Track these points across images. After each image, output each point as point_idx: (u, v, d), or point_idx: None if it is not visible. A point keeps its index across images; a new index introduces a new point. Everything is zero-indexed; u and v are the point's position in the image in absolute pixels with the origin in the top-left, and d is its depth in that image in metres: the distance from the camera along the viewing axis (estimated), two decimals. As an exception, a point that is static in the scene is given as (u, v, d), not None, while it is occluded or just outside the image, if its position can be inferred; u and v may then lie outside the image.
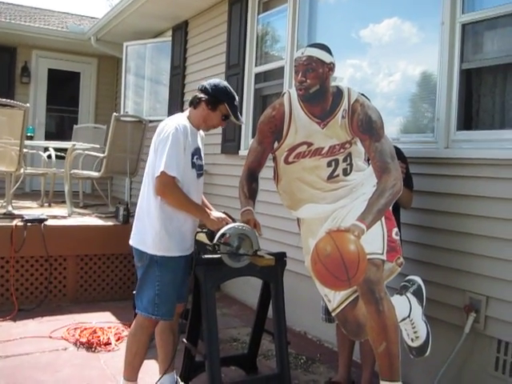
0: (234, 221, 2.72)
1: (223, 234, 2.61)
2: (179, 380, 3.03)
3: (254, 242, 2.67)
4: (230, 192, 5.04)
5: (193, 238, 2.78)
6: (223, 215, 2.75)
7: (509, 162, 2.81)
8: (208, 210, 2.78)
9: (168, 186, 2.61)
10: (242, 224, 2.66)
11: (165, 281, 2.70)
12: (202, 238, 2.76)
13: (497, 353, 2.88)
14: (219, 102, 2.74)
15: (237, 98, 2.82)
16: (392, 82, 3.89)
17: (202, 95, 2.75)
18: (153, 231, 2.69)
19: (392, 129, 3.61)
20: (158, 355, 2.98)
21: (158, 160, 2.62)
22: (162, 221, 2.68)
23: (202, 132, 2.91)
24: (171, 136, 2.61)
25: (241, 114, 5.32)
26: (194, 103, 2.77)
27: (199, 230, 2.77)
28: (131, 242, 2.81)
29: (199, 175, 2.81)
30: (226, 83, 2.82)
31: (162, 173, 2.57)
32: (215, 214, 2.76)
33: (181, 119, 2.74)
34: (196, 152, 2.77)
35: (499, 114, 3.13)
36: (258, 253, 2.72)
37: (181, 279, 2.79)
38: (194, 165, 2.74)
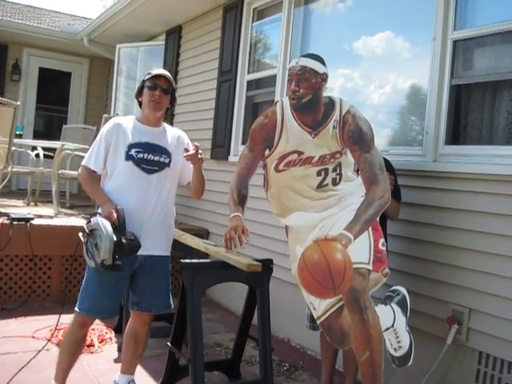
0: (120, 217, 2.61)
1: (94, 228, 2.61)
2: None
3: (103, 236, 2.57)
4: (220, 198, 5.04)
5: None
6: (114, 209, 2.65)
7: (495, 178, 2.86)
8: (107, 200, 2.70)
9: (81, 176, 2.85)
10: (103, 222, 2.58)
11: (89, 275, 2.76)
12: (188, 241, 2.74)
13: (478, 364, 2.92)
14: (142, 86, 2.86)
15: (155, 70, 2.86)
16: (383, 94, 3.94)
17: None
18: None
19: (381, 141, 3.65)
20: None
21: None
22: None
23: (178, 133, 2.95)
24: (99, 133, 2.87)
25: (232, 121, 5.29)
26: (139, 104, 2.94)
27: (186, 234, 2.76)
28: None
29: (147, 171, 2.77)
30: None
31: (82, 165, 2.84)
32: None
33: (121, 117, 2.95)
34: (138, 146, 2.78)
35: (487, 129, 3.18)
36: (243, 257, 2.71)
37: (113, 283, 2.70)
38: (130, 157, 2.75)
